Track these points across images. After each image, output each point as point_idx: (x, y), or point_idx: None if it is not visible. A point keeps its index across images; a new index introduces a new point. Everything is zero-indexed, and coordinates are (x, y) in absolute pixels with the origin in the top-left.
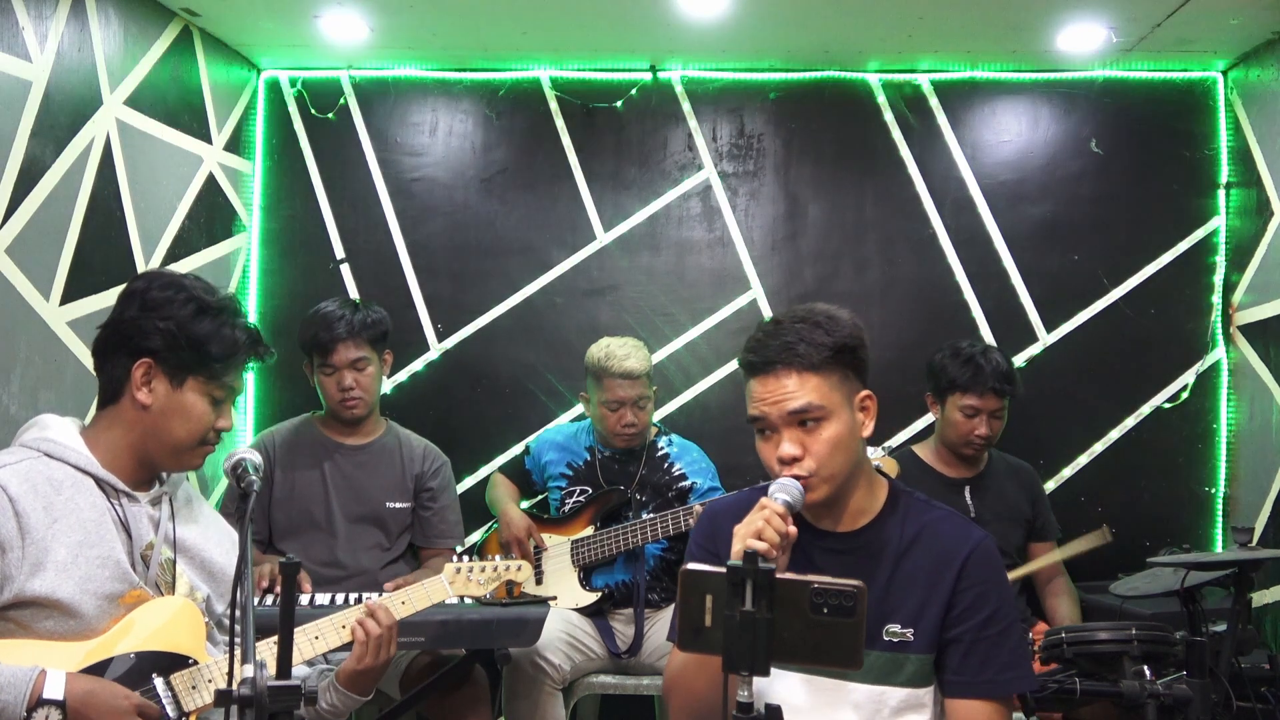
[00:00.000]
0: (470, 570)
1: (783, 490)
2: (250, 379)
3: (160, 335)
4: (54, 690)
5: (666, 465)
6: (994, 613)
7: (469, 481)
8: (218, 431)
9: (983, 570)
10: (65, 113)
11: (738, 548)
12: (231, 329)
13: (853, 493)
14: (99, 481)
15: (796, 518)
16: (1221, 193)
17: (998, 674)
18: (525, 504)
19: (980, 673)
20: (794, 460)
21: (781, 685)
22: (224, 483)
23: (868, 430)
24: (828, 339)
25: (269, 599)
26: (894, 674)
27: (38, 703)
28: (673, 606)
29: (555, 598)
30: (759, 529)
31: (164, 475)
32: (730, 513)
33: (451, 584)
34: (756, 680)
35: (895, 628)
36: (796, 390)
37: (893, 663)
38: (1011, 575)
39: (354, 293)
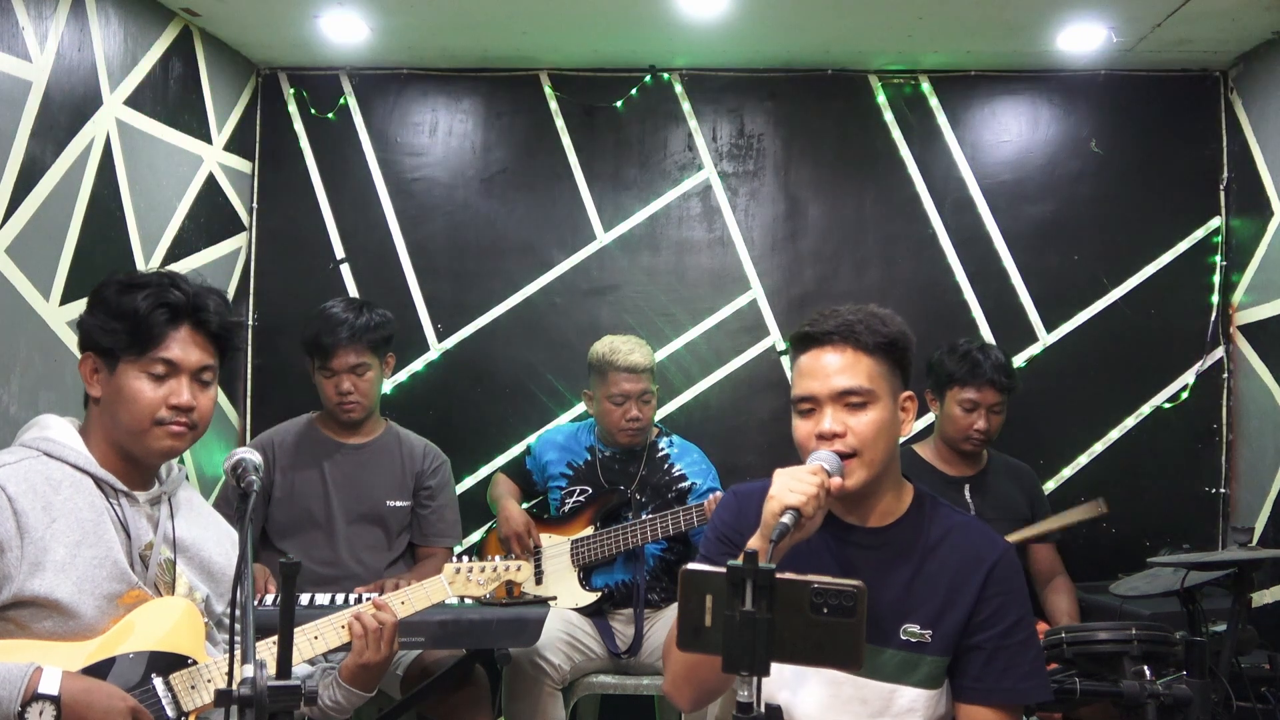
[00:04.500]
0: (470, 570)
1: (820, 459)
2: (249, 379)
3: (93, 326)
4: (49, 686)
5: (667, 466)
6: (1017, 621)
7: (469, 481)
8: (174, 408)
9: (1008, 579)
10: (65, 113)
11: (772, 506)
12: (148, 299)
13: (884, 489)
14: (98, 481)
15: (826, 514)
16: (1221, 193)
17: (1018, 682)
18: (524, 505)
19: (1001, 680)
20: (834, 436)
21: (803, 689)
22: (223, 481)
23: (907, 429)
24: (884, 328)
25: (268, 599)
26: (908, 674)
27: (32, 698)
28: (673, 607)
29: (555, 598)
30: (795, 485)
31: (162, 475)
32: (756, 495)
33: (451, 584)
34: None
35: (914, 628)
36: (849, 368)
37: (908, 662)
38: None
39: (354, 292)
